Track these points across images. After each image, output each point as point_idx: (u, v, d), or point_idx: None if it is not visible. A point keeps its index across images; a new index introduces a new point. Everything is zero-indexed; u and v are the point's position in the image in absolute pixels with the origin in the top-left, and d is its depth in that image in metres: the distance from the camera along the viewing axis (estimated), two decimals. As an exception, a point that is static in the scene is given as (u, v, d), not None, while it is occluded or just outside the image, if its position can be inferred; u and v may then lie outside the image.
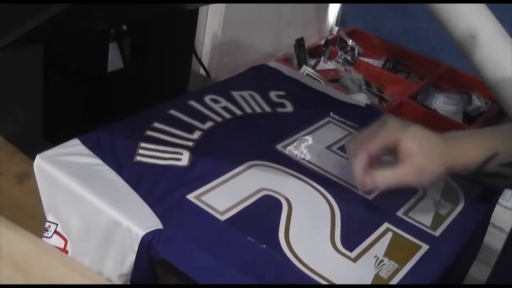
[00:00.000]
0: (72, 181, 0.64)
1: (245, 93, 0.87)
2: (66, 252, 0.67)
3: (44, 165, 0.66)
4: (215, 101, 0.84)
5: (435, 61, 1.49)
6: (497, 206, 0.82)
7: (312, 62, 1.44)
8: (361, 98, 1.24)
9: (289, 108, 0.86)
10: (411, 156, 0.64)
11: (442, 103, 1.34)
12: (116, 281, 0.64)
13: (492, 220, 0.83)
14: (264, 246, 0.60)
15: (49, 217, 0.69)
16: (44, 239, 0.69)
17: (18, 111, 0.86)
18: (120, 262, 0.62)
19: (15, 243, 0.68)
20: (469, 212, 0.71)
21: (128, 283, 0.63)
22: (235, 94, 0.86)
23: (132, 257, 0.60)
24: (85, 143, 0.70)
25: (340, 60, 1.45)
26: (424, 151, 0.64)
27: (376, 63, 1.51)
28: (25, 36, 0.59)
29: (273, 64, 0.97)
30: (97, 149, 0.69)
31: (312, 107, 0.88)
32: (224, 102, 0.84)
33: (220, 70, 1.32)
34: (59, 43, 0.77)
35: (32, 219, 0.72)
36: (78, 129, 0.73)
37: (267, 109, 0.85)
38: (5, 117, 0.88)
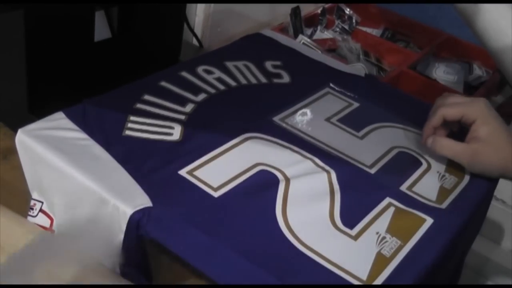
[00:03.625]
0: (55, 156, 0.60)
1: (240, 63, 0.83)
2: (52, 231, 0.64)
3: (27, 140, 0.62)
4: (209, 72, 0.79)
5: (435, 30, 1.44)
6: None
7: (309, 31, 1.40)
8: (359, 68, 1.20)
9: (286, 78, 0.82)
10: (477, 140, 0.67)
11: (442, 73, 1.30)
12: (104, 261, 0.60)
13: (494, 193, 0.80)
14: (261, 224, 0.57)
15: (34, 195, 0.65)
16: (29, 218, 0.66)
17: (1, 83, 0.81)
18: (108, 242, 0.58)
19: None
20: (474, 185, 0.68)
21: (117, 264, 0.60)
22: (229, 64, 0.82)
23: (120, 237, 0.57)
24: (70, 116, 0.66)
25: (338, 29, 1.41)
26: (490, 142, 0.67)
27: (375, 32, 1.47)
28: None
29: (268, 32, 0.93)
30: (82, 123, 0.65)
31: (310, 77, 0.84)
32: (217, 73, 0.80)
33: (213, 40, 1.28)
34: (41, 9, 0.72)
35: (16, 196, 0.68)
36: (65, 102, 0.69)
37: (263, 80, 0.81)
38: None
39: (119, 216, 0.56)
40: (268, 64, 0.84)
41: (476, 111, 0.68)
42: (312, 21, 1.43)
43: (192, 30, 1.12)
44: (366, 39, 1.39)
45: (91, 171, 0.59)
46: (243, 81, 0.79)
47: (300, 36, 1.26)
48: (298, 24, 1.38)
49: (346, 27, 1.41)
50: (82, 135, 0.64)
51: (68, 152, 0.61)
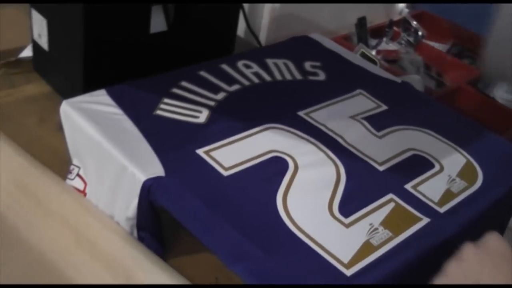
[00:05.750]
0: (90, 126, 0.68)
1: (280, 61, 0.88)
2: (85, 194, 0.72)
3: (69, 110, 0.70)
4: (247, 66, 0.85)
5: (505, 49, 1.42)
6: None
7: (374, 42, 1.42)
8: (414, 79, 1.21)
9: (321, 77, 0.86)
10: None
11: (503, 92, 1.28)
12: (123, 224, 0.67)
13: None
14: (260, 204, 0.61)
15: (74, 161, 0.73)
16: (67, 181, 0.74)
17: (64, 66, 0.91)
18: (126, 206, 0.65)
19: (39, 181, 0.73)
20: (483, 193, 0.69)
21: (134, 227, 0.66)
22: (269, 61, 0.87)
23: (135, 201, 0.63)
24: (110, 93, 0.74)
25: (403, 41, 1.42)
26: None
27: (442, 47, 1.46)
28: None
29: (315, 36, 0.97)
30: (120, 100, 0.73)
31: (345, 78, 0.87)
32: (256, 68, 0.85)
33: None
34: (99, 2, 0.80)
35: (65, 164, 0.76)
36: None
37: (298, 76, 0.85)
38: (55, 71, 0.94)
39: (135, 182, 0.63)
40: (307, 64, 0.88)
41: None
42: (379, 33, 1.45)
43: (251, 30, 1.18)
44: (430, 53, 1.40)
45: (118, 141, 0.66)
46: (278, 77, 0.84)
47: (360, 45, 1.29)
48: (363, 34, 1.40)
49: (411, 39, 1.42)
50: (117, 110, 0.71)
51: (101, 123, 0.68)
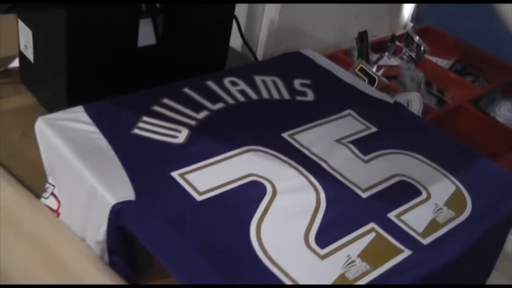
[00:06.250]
0: (63, 144, 0.65)
1: (268, 78, 0.85)
2: (58, 214, 0.69)
3: (43, 127, 0.68)
4: (234, 84, 0.83)
5: (509, 66, 1.39)
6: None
7: (375, 57, 1.40)
8: (413, 97, 1.19)
9: (309, 97, 0.83)
10: None
11: (506, 111, 1.25)
12: (94, 247, 0.65)
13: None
14: (232, 231, 0.59)
15: (49, 179, 0.71)
16: (42, 199, 0.71)
17: (49, 79, 0.89)
18: (96, 229, 0.63)
19: (12, 199, 0.71)
20: (472, 225, 0.66)
21: (105, 251, 0.64)
22: (257, 78, 0.85)
23: (105, 225, 0.61)
24: (88, 111, 0.71)
25: (405, 57, 1.40)
26: None
27: (445, 63, 1.44)
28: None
29: (307, 52, 0.95)
30: (97, 118, 0.70)
31: (335, 98, 0.84)
32: (242, 85, 0.82)
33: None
34: (84, 10, 0.78)
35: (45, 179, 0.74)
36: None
37: (286, 96, 0.82)
38: (40, 83, 0.92)
39: (105, 205, 0.60)
40: (297, 82, 0.86)
41: None
42: (381, 47, 1.42)
43: (247, 44, 1.16)
44: (432, 69, 1.37)
45: (90, 161, 0.64)
46: (265, 95, 0.81)
47: (358, 60, 1.26)
48: (364, 48, 1.38)
49: (413, 55, 1.39)
50: (93, 128, 0.69)
51: (75, 142, 0.66)
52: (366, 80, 1.23)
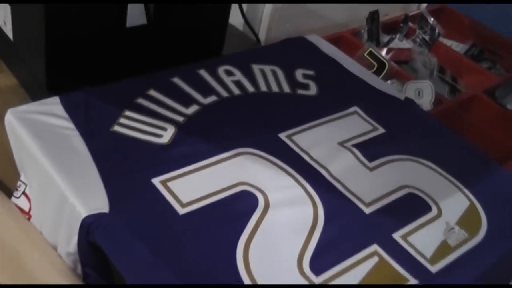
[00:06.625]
0: (33, 143, 0.59)
1: (267, 68, 0.77)
2: (30, 216, 0.63)
3: (13, 121, 0.61)
4: (229, 73, 0.75)
5: (529, 53, 1.30)
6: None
7: (386, 38, 1.31)
8: (425, 85, 1.10)
9: (312, 91, 0.76)
10: None
11: (524, 103, 1.17)
12: (65, 258, 0.58)
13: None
14: (216, 252, 0.52)
15: (22, 176, 0.64)
16: (13, 198, 0.65)
17: (28, 59, 0.81)
18: (67, 240, 0.56)
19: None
20: (487, 249, 0.59)
21: (78, 262, 0.58)
22: (256, 67, 0.77)
23: (75, 238, 0.54)
24: (64, 102, 0.64)
25: (418, 39, 1.31)
26: None
27: (460, 47, 1.34)
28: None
29: (312, 38, 0.87)
30: (74, 111, 0.63)
31: (340, 92, 0.77)
32: (238, 76, 0.75)
33: (279, 37, 1.22)
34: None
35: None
36: (86, 85, 0.67)
37: (286, 89, 0.75)
38: (19, 63, 0.84)
39: (75, 216, 0.54)
40: (299, 73, 0.78)
41: None
42: (393, 28, 1.33)
43: (248, 23, 1.07)
44: (446, 54, 1.28)
45: (61, 163, 0.57)
46: (263, 88, 0.74)
47: (368, 43, 1.18)
48: (375, 29, 1.29)
49: (427, 38, 1.30)
50: (68, 124, 0.62)
51: (47, 141, 0.59)
52: (376, 65, 1.15)
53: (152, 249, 0.51)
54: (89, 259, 0.56)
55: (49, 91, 0.78)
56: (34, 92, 0.82)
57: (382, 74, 1.14)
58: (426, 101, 1.09)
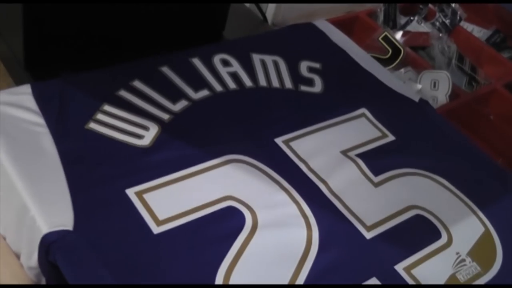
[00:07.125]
0: (-4, 140, 0.52)
1: (269, 58, 0.70)
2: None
3: (-23, 113, 0.54)
4: (225, 63, 0.67)
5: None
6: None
7: (404, 20, 1.22)
8: (441, 76, 1.02)
9: (317, 87, 0.68)
10: None
11: (547, 100, 1.08)
12: (27, 271, 0.52)
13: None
14: (193, 281, 0.46)
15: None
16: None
17: (6, 32, 0.74)
18: (29, 254, 0.50)
19: None
20: (504, 282, 0.52)
21: (41, 276, 0.51)
22: (256, 57, 0.69)
23: (36, 253, 0.48)
24: (36, 93, 0.57)
25: (437, 23, 1.22)
26: None
27: (482, 33, 1.25)
28: None
29: (322, 24, 0.79)
30: (45, 104, 0.56)
31: (347, 90, 0.69)
32: (236, 67, 0.67)
33: (288, 15, 1.13)
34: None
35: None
36: (70, 67, 0.61)
37: (288, 84, 0.67)
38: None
39: (36, 231, 0.47)
40: (304, 65, 0.70)
41: None
42: (411, 9, 1.24)
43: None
44: (467, 41, 1.19)
45: (26, 168, 0.50)
46: (262, 82, 0.66)
47: (383, 27, 1.09)
48: (392, 10, 1.20)
49: (447, 22, 1.21)
50: (38, 119, 0.55)
51: (13, 138, 0.53)
52: (390, 51, 1.07)
53: (117, 276, 0.44)
54: (53, 276, 0.50)
55: (26, 70, 0.71)
56: (13, 70, 0.75)
57: (397, 61, 1.06)
58: (441, 94, 1.01)
